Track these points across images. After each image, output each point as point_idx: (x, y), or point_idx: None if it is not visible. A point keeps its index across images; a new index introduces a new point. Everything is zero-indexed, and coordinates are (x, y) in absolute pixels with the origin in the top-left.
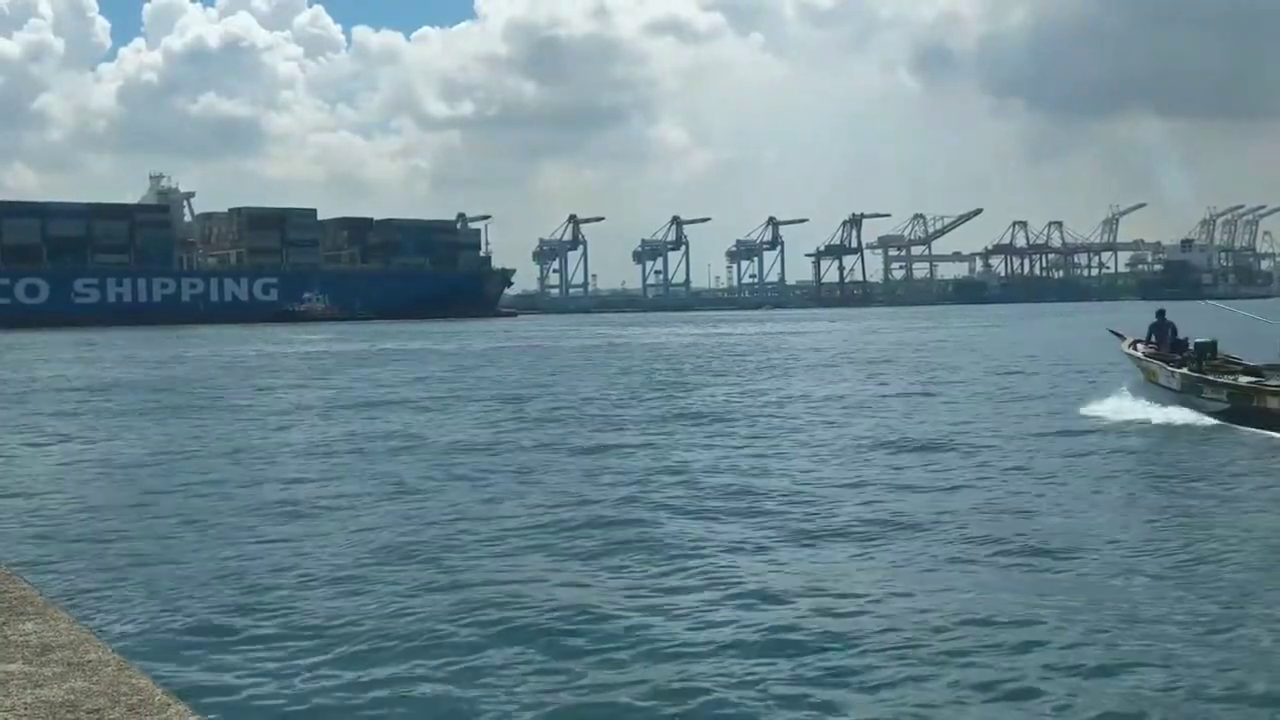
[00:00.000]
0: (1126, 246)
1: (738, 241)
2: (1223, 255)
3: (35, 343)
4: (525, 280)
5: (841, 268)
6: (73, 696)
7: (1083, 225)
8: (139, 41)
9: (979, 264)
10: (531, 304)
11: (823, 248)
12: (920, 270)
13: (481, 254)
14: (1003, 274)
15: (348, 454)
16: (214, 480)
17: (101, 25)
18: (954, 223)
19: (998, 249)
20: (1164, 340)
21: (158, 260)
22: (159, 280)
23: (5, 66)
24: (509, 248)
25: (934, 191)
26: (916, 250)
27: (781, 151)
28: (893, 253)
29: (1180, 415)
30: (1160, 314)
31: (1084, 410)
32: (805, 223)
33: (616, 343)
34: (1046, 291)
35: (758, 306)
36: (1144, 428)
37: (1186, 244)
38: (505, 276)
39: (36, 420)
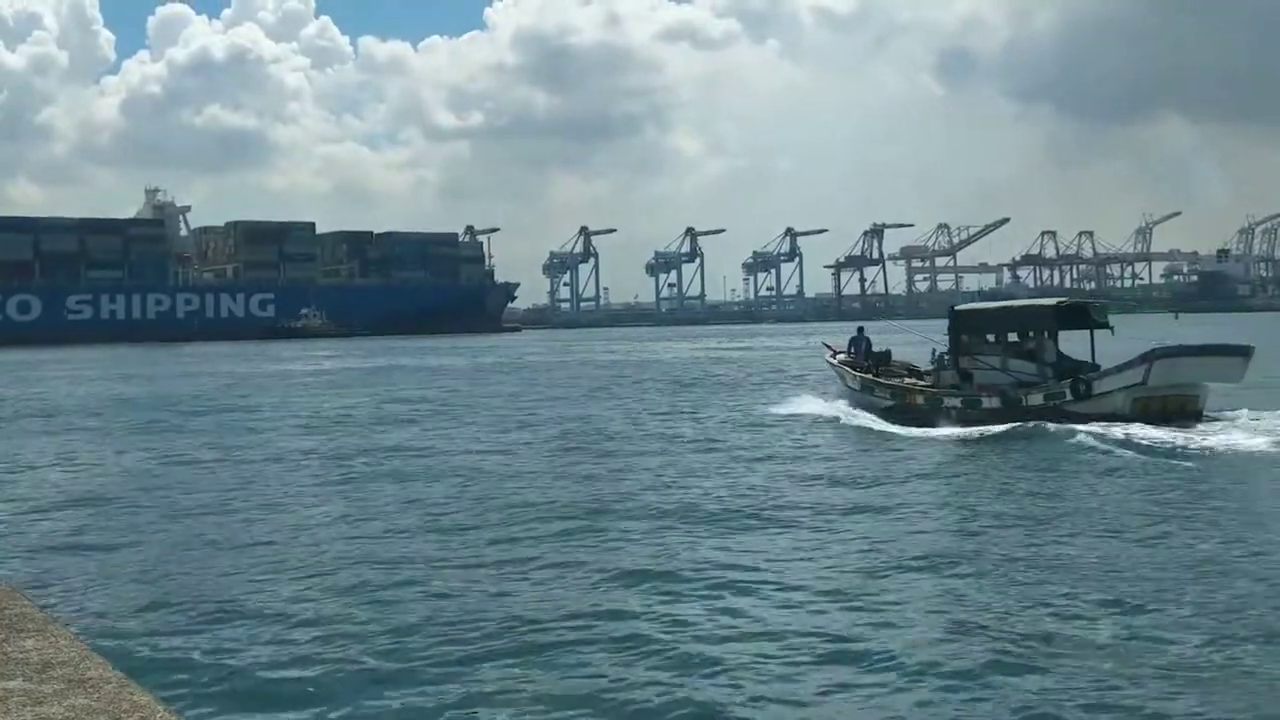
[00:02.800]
0: (1161, 257)
1: (754, 253)
2: (1262, 265)
3: (28, 361)
4: (535, 294)
5: (863, 280)
6: (73, 714)
7: (1114, 234)
8: (143, 54)
9: (1006, 275)
10: (541, 318)
11: (843, 259)
12: (945, 282)
13: (484, 267)
14: (1031, 285)
15: (352, 472)
16: (217, 498)
17: (106, 38)
18: (980, 232)
19: (1026, 259)
20: (860, 351)
21: (152, 276)
22: (153, 296)
23: (9, 79)
24: (518, 260)
25: (958, 200)
26: (941, 261)
27: (799, 160)
28: (916, 264)
29: (856, 411)
30: (860, 329)
31: (788, 410)
32: (824, 233)
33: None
34: None
35: (759, 321)
36: (819, 421)
37: (1223, 254)
38: (508, 290)
39: (34, 438)
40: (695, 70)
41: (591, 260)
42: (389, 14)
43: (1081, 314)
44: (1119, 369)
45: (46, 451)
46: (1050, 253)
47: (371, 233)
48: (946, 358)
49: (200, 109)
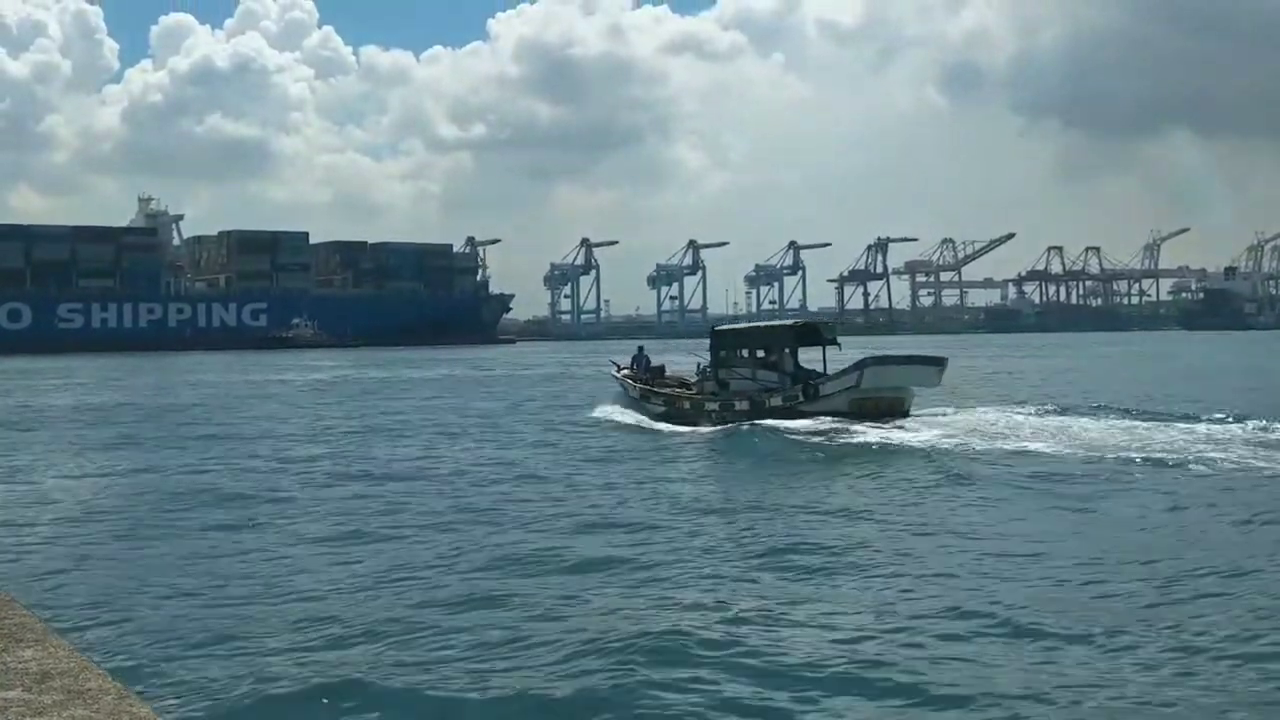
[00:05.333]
0: (1169, 273)
1: (757, 266)
2: (1271, 283)
3: (17, 369)
4: (536, 306)
5: (866, 294)
6: None
7: (1122, 250)
8: (146, 62)
9: (1012, 291)
10: (541, 330)
11: (846, 273)
12: (950, 297)
13: (479, 278)
14: (1037, 301)
15: (351, 481)
16: (216, 509)
17: (109, 46)
18: (985, 247)
19: (1032, 275)
20: (641, 366)
21: (144, 285)
22: (145, 305)
23: (11, 88)
24: (520, 271)
25: (964, 215)
26: (946, 276)
27: (803, 173)
28: (920, 279)
29: (635, 416)
30: (640, 349)
31: (587, 414)
32: (828, 247)
33: None
34: (1083, 320)
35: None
36: (606, 424)
37: (1230, 271)
38: (503, 302)
39: (31, 448)
40: (699, 82)
41: (593, 272)
42: (391, 24)
43: (814, 333)
44: (838, 375)
45: (43, 461)
46: (1056, 268)
47: (365, 243)
48: (708, 370)
49: (202, 118)
